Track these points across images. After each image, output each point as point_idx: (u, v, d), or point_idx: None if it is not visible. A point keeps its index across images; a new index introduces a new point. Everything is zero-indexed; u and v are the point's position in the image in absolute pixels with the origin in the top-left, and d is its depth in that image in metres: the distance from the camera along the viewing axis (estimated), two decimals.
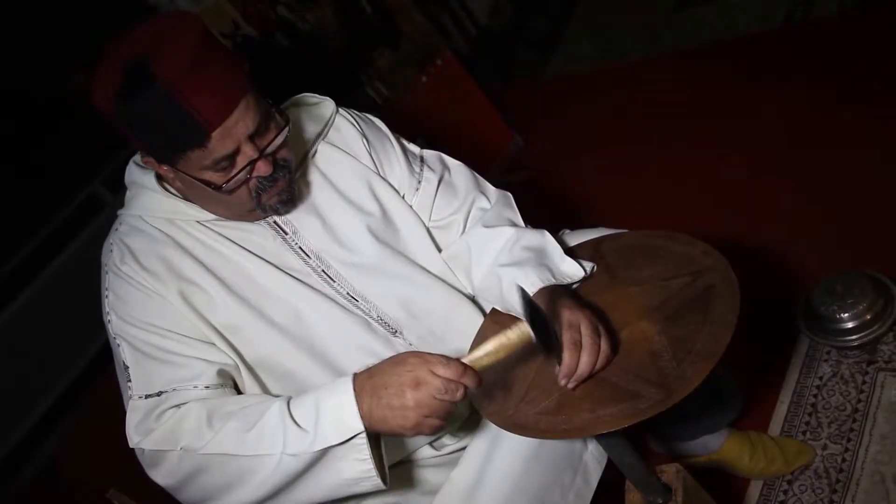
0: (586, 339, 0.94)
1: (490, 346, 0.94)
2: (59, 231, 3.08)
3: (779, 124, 2.25)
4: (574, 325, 0.95)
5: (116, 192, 3.12)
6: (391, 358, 0.95)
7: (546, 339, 0.92)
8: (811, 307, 1.60)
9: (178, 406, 1.02)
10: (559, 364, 0.94)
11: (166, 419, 1.01)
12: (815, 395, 1.58)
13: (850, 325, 1.55)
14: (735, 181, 2.17)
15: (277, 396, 1.03)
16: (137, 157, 1.12)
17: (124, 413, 1.05)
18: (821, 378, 1.61)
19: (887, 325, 1.53)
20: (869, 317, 1.54)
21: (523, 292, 0.95)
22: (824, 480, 1.44)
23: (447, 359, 0.92)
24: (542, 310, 0.95)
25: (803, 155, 2.09)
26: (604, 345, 0.95)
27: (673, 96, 2.68)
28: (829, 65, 2.32)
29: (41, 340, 2.92)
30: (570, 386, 0.95)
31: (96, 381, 2.66)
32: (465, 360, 0.94)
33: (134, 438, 1.01)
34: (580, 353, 0.93)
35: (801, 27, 2.60)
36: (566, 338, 0.94)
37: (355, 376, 0.95)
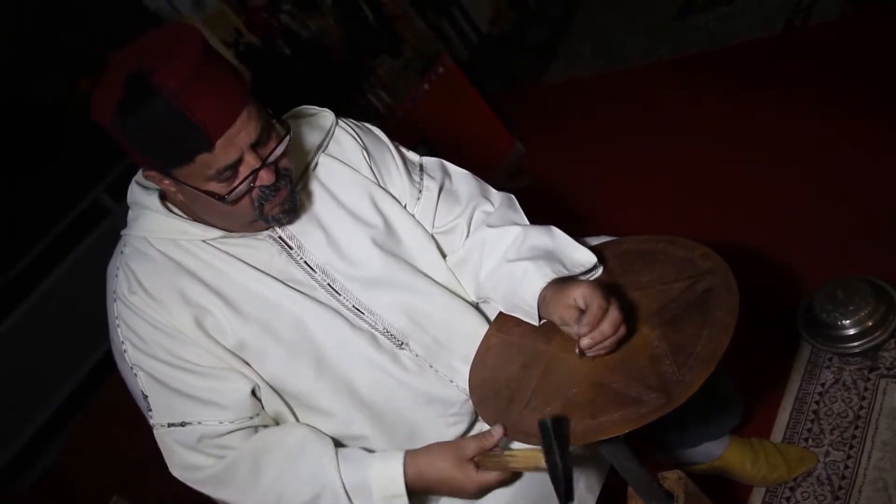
0: (598, 311, 0.98)
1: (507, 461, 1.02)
2: (62, 238, 3.09)
3: (779, 130, 2.25)
4: (588, 301, 1.00)
5: (119, 200, 3.13)
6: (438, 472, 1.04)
7: (555, 480, 0.92)
8: (812, 313, 1.60)
9: (216, 442, 1.05)
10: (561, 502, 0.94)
11: (208, 461, 1.06)
12: (816, 402, 1.58)
13: (851, 331, 1.55)
14: (735, 186, 2.17)
15: (322, 443, 1.09)
16: (140, 177, 1.11)
17: (126, 420, 1.06)
18: (823, 385, 1.60)
19: (889, 331, 1.53)
20: (870, 323, 1.54)
21: (543, 426, 0.93)
22: (826, 487, 1.44)
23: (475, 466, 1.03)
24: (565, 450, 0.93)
25: (804, 160, 2.09)
26: (613, 311, 0.99)
27: (674, 102, 2.68)
28: (830, 71, 2.32)
29: (44, 347, 2.92)
30: (592, 354, 1.01)
31: (99, 387, 2.67)
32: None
33: (182, 474, 1.07)
34: (598, 324, 0.98)
35: (801, 34, 2.60)
36: (582, 319, 0.98)
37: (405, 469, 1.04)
